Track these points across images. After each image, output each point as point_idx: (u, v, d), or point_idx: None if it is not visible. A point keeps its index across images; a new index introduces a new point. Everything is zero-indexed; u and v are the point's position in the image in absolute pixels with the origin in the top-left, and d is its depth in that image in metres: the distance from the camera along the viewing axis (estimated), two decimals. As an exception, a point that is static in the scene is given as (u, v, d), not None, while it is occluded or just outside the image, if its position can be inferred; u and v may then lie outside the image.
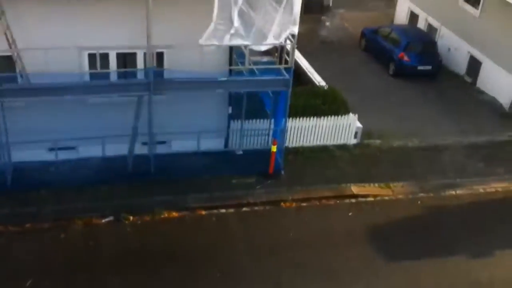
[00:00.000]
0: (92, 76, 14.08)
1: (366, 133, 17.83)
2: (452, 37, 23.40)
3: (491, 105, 20.91)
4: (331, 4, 28.88)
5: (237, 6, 12.97)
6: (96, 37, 13.55)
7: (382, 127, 18.42)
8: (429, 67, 22.38)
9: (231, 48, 14.77)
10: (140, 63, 14.33)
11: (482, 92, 21.72)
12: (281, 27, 13.52)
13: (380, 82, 22.07)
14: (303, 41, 16.79)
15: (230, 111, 15.87)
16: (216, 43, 13.31)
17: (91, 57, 13.85)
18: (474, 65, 22.31)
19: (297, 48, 15.32)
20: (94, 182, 14.48)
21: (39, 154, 14.63)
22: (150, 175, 14.90)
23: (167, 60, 14.45)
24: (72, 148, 15.02)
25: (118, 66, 14.28)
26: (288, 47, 14.46)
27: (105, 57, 14.01)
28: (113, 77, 14.33)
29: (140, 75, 14.40)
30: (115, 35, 13.59)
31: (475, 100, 21.28)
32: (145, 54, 13.82)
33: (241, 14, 13.09)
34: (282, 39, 13.87)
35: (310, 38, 24.41)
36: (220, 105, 15.67)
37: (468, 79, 22.59)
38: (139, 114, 14.25)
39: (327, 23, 27.71)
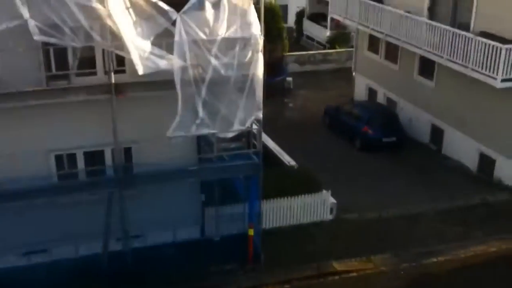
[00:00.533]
0: (60, 176, 13.95)
1: (341, 208, 17.84)
2: (411, 108, 24.13)
3: (459, 170, 21.28)
4: (292, 87, 29.76)
5: (201, 98, 13.20)
6: (62, 138, 13.57)
7: (356, 201, 18.50)
8: (393, 139, 22.83)
9: (199, 137, 14.93)
10: (108, 159, 14.30)
11: (448, 158, 22.18)
12: (245, 113, 13.75)
13: (348, 157, 22.38)
14: (269, 124, 17.09)
15: (203, 198, 15.80)
16: (183, 134, 13.43)
17: (58, 158, 13.79)
18: (437, 133, 22.92)
19: (264, 131, 15.58)
20: (69, 284, 13.95)
21: (10, 261, 14.14)
22: (127, 271, 14.45)
23: (135, 154, 14.46)
24: (44, 250, 14.58)
25: (86, 164, 14.21)
26: (255, 131, 14.72)
27: (72, 157, 13.98)
28: (82, 176, 14.22)
29: (109, 171, 14.33)
30: (81, 135, 13.65)
31: (442, 166, 21.68)
32: (112, 150, 13.86)
33: (205, 104, 13.30)
34: (248, 125, 14.10)
35: (276, 120, 24.85)
36: (193, 194, 15.59)
37: (433, 147, 23.12)
38: (111, 210, 14.03)
39: (290, 105, 28.41)
